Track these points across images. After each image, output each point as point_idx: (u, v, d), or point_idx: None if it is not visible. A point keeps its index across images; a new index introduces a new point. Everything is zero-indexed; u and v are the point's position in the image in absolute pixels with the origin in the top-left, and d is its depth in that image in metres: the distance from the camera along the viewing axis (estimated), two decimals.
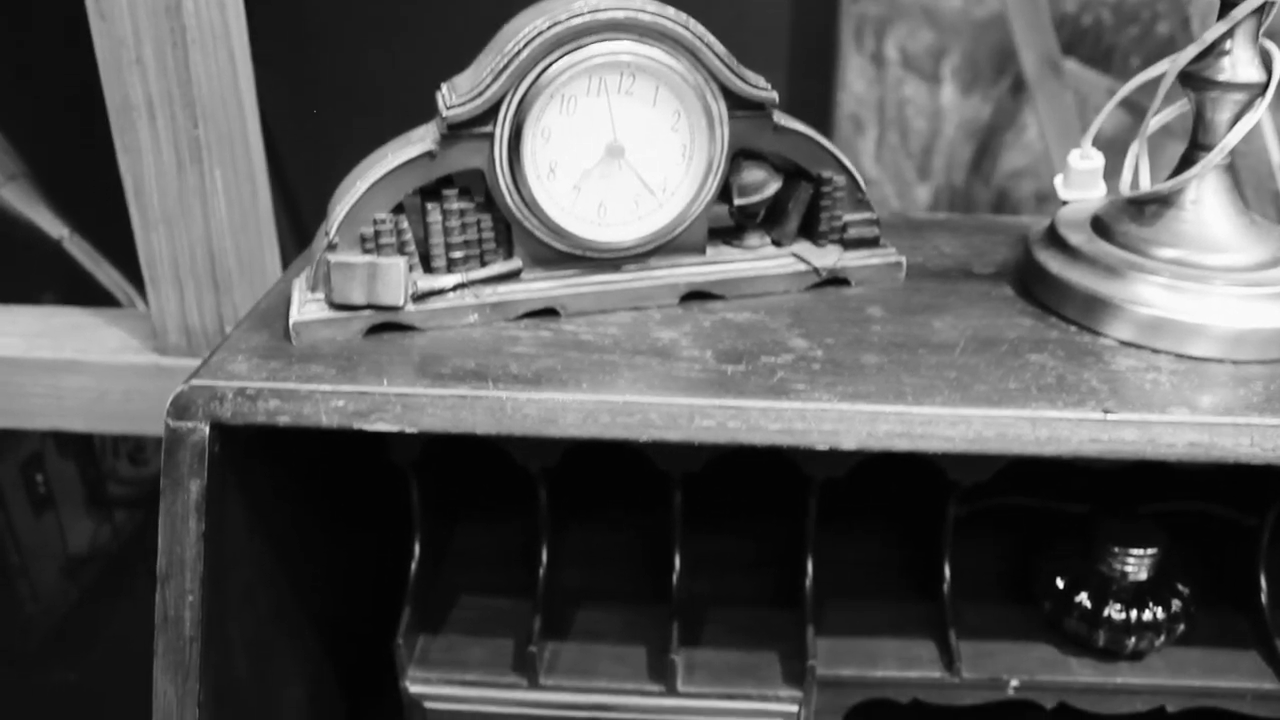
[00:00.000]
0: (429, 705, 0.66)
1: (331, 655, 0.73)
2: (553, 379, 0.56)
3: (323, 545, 0.71)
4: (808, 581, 0.66)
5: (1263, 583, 0.67)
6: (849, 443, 0.54)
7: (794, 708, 0.65)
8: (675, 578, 0.67)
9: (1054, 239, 0.66)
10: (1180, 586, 0.66)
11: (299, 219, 1.02)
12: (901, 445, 0.54)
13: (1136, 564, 0.65)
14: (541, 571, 0.67)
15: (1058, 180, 0.71)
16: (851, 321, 0.62)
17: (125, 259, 1.09)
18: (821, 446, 0.54)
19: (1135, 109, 1.19)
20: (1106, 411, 0.54)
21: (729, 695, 0.65)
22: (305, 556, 0.68)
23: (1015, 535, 0.73)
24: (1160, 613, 0.64)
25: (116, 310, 1.03)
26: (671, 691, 0.65)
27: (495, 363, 0.58)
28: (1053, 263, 0.64)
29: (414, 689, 0.67)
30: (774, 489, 0.74)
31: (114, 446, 1.30)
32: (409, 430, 0.56)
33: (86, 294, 1.10)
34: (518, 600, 0.71)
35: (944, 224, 0.77)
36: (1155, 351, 0.60)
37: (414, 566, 0.68)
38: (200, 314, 0.88)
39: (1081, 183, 0.70)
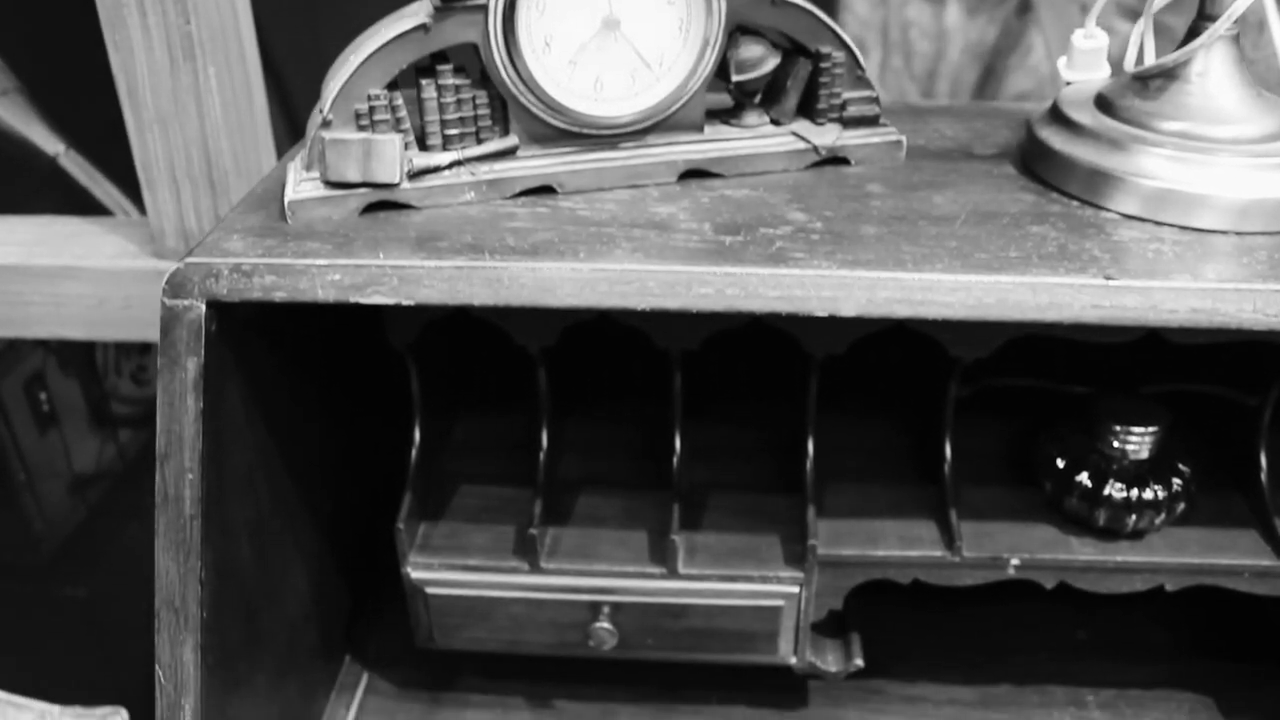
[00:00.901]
0: (430, 590, 0.67)
1: (334, 542, 0.73)
2: (550, 250, 0.56)
3: (324, 431, 0.71)
4: (808, 462, 0.66)
5: (1263, 462, 0.66)
6: (848, 309, 0.54)
7: (794, 589, 0.65)
8: (676, 460, 0.67)
9: (1057, 116, 0.65)
10: (1181, 466, 0.65)
11: (295, 120, 1.01)
12: (901, 311, 0.54)
13: (1138, 442, 0.64)
14: (542, 455, 0.67)
15: (1061, 62, 0.70)
16: (851, 197, 0.61)
17: (122, 174, 1.08)
18: (820, 313, 0.53)
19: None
20: (1108, 278, 0.54)
21: (730, 577, 0.65)
22: (306, 442, 0.68)
23: (1018, 418, 0.73)
24: (1160, 491, 0.64)
25: (115, 219, 1.02)
26: (673, 573, 0.65)
27: (492, 237, 0.57)
28: (1055, 139, 0.64)
29: (415, 574, 0.67)
30: (775, 375, 0.73)
31: (116, 365, 1.30)
32: (405, 303, 0.55)
33: (84, 211, 1.09)
34: (520, 488, 0.71)
35: (946, 110, 0.76)
36: (1159, 224, 0.60)
37: (414, 452, 0.68)
38: (197, 217, 0.87)
39: (1085, 63, 0.69)
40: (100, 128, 1.00)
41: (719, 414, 0.77)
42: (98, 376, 1.28)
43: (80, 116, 1.10)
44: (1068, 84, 0.69)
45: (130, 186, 1.00)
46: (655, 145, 0.63)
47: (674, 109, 0.62)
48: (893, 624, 0.78)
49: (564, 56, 0.60)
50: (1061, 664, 0.76)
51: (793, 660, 0.68)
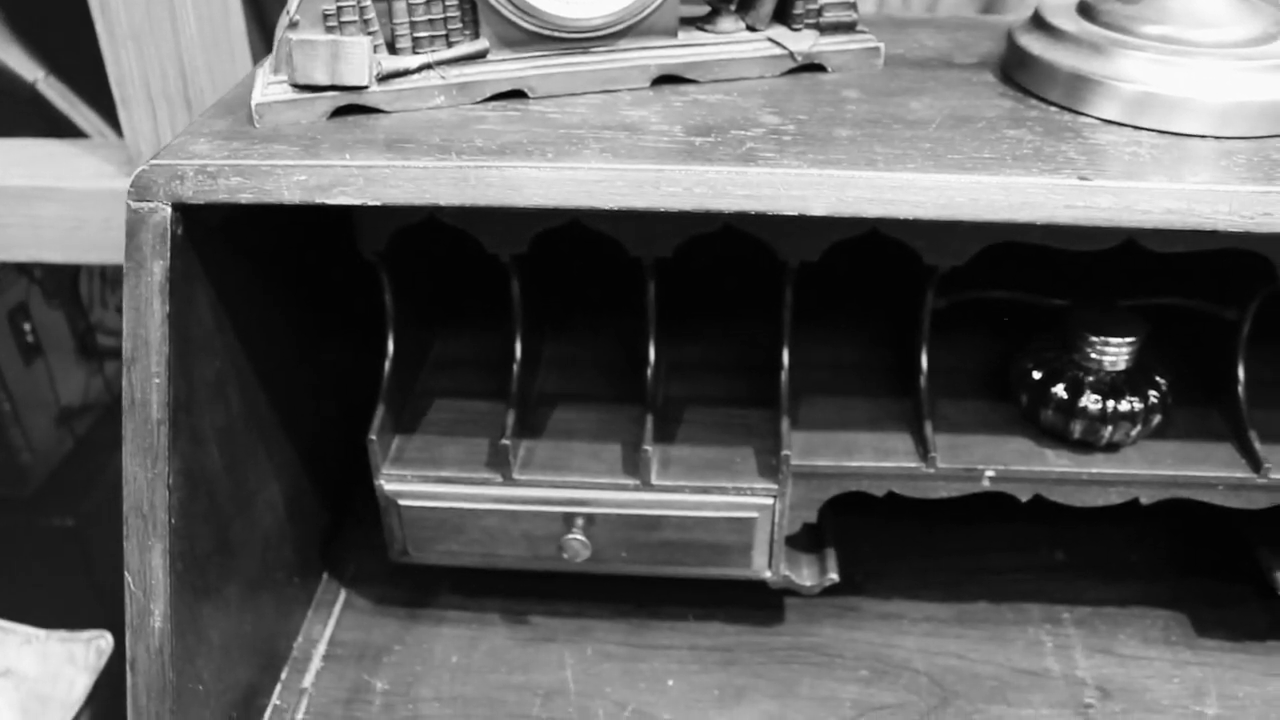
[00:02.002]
0: (403, 503, 0.67)
1: (311, 457, 0.73)
2: (518, 151, 0.55)
3: (300, 345, 0.71)
4: (783, 374, 0.66)
5: (1240, 375, 0.66)
6: (818, 208, 0.53)
7: (768, 500, 0.65)
8: (650, 371, 0.66)
9: (1038, 23, 0.64)
10: (1158, 378, 0.65)
11: (272, 37, 0.99)
12: (872, 210, 0.53)
13: (1114, 354, 0.64)
14: (515, 368, 0.67)
15: None
16: (826, 102, 0.60)
17: (103, 101, 1.07)
18: (790, 212, 0.53)
19: None
20: (1083, 178, 0.53)
21: (703, 489, 0.65)
22: (280, 353, 0.68)
23: (998, 333, 0.73)
24: (1136, 403, 0.63)
25: (92, 140, 1.01)
26: (646, 485, 0.65)
27: (461, 138, 0.57)
28: (1035, 45, 0.62)
29: (388, 486, 0.67)
30: (755, 290, 0.73)
31: (102, 297, 1.29)
32: (372, 203, 0.55)
33: (65, 137, 1.08)
34: (495, 403, 0.70)
35: (928, 21, 0.75)
36: (1138, 129, 0.59)
37: (387, 365, 0.67)
38: (174, 136, 0.86)
39: None
40: (80, 53, 0.99)
41: (697, 330, 0.77)
42: (83, 308, 1.27)
43: (60, 41, 1.09)
44: None
45: (111, 113, 0.98)
46: (628, 50, 0.62)
47: (646, 13, 0.61)
48: (871, 543, 0.78)
49: None
50: (1039, 583, 0.76)
51: (767, 574, 0.68)
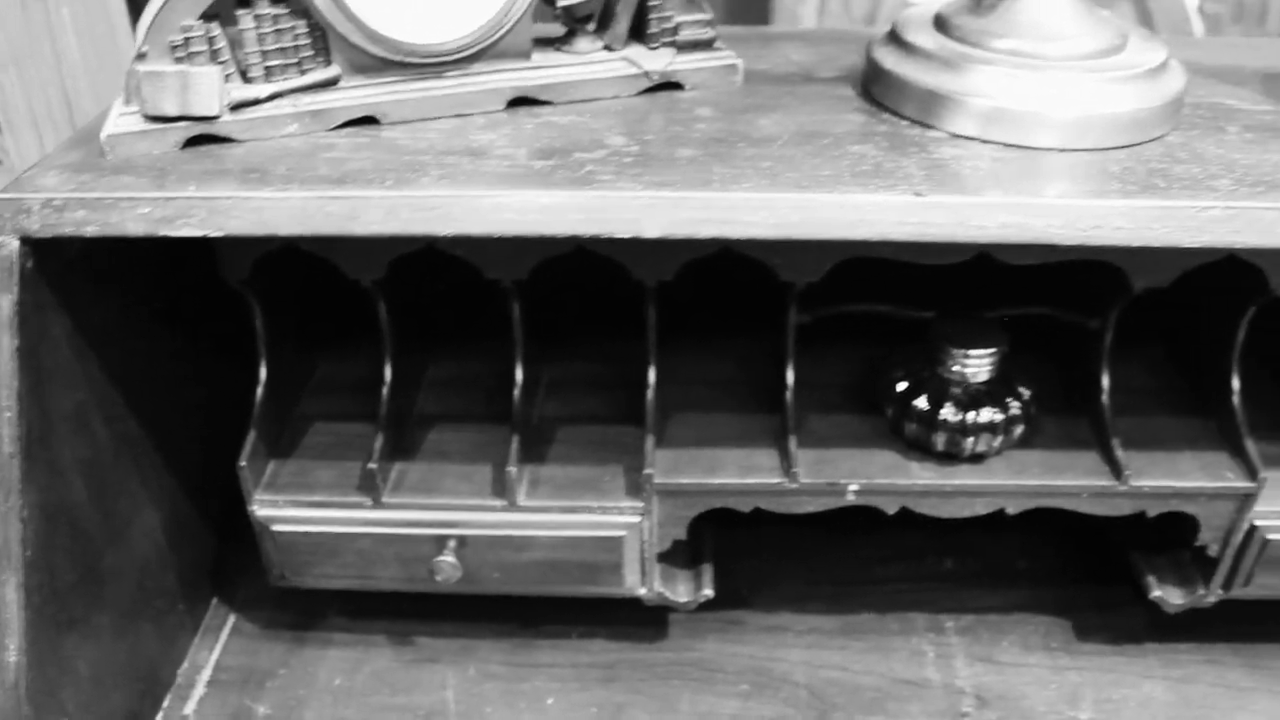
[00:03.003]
0: (276, 528, 0.67)
1: (191, 483, 0.73)
2: (359, 179, 0.55)
3: (177, 371, 0.71)
4: (649, 392, 0.66)
5: (1104, 384, 0.66)
6: (651, 230, 0.53)
7: (635, 519, 0.65)
8: (516, 391, 0.66)
9: (893, 37, 0.64)
10: (1020, 389, 0.65)
11: None
12: (706, 231, 0.53)
13: (976, 365, 0.64)
14: (385, 390, 0.67)
15: None
16: (677, 121, 0.61)
17: None
18: (624, 234, 0.53)
19: None
20: (918, 194, 0.54)
21: (570, 508, 0.65)
22: (152, 382, 0.68)
23: (865, 346, 0.73)
24: (997, 414, 0.63)
25: None
26: (513, 505, 0.65)
27: (306, 167, 0.57)
28: (889, 60, 0.63)
29: (261, 512, 0.67)
30: (627, 308, 0.73)
31: None
32: (215, 234, 0.55)
33: None
34: (372, 426, 0.70)
35: (799, 35, 0.75)
36: (986, 143, 0.59)
37: (260, 390, 0.67)
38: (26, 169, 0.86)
39: None
40: None
41: (571, 350, 0.77)
42: None
43: None
44: (913, 4, 0.69)
45: None
46: (481, 73, 0.62)
47: (498, 36, 0.61)
48: (760, 555, 0.78)
49: None
50: (926, 592, 0.76)
51: (642, 591, 0.68)
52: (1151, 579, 0.70)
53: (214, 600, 0.76)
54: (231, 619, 0.75)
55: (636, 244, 0.54)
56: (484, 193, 0.54)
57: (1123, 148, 0.60)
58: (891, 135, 0.59)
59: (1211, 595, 0.69)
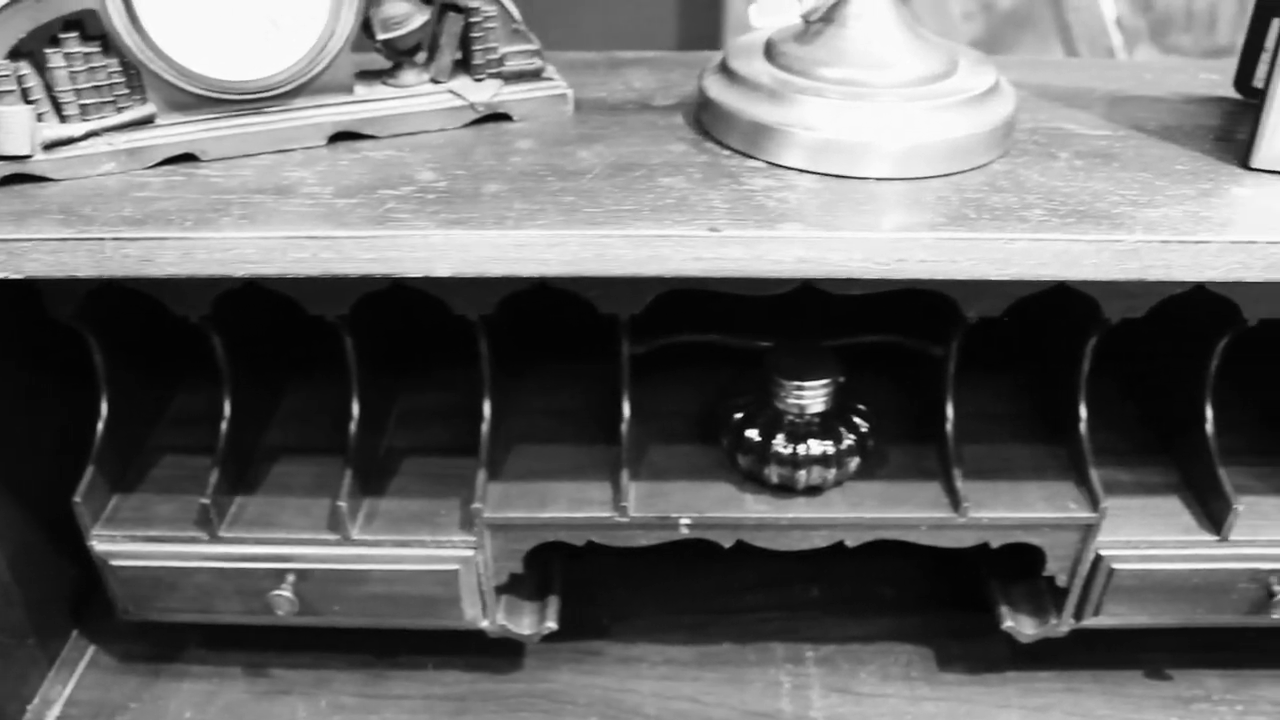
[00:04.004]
0: (114, 563, 0.66)
1: (40, 519, 0.72)
2: (159, 220, 0.55)
3: (22, 407, 0.70)
4: (484, 426, 0.65)
5: (949, 413, 0.65)
6: (442, 269, 0.53)
7: (469, 552, 0.64)
8: (353, 425, 0.66)
9: (723, 66, 0.64)
10: (857, 420, 0.64)
11: None
12: (497, 269, 0.53)
13: (809, 397, 0.63)
14: (224, 425, 0.67)
15: (752, 9, 0.68)
16: (495, 155, 0.60)
17: None
18: (416, 274, 0.53)
19: None
20: (714, 229, 0.53)
21: (403, 542, 0.65)
22: None
23: (710, 377, 0.72)
24: (829, 446, 0.63)
25: None
26: (346, 539, 0.64)
27: (111, 208, 0.56)
28: (715, 88, 0.62)
29: (99, 547, 0.66)
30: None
31: None
32: (14, 276, 0.55)
33: None
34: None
35: (647, 61, 0.74)
36: (806, 173, 0.58)
37: (101, 425, 0.67)
38: None
39: (775, 7, 0.68)
40: None
41: (431, 379, 0.76)
42: None
43: None
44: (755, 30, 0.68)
45: None
46: (302, 108, 0.61)
47: (317, 71, 0.61)
48: (626, 585, 0.78)
49: (189, 19, 0.58)
50: (790, 621, 0.75)
51: (484, 624, 0.68)
52: (1005, 609, 0.69)
53: (74, 633, 0.76)
54: (90, 652, 0.75)
55: (450, 279, 0.54)
56: (276, 233, 0.53)
57: (945, 176, 0.59)
58: (708, 167, 0.59)
59: (1064, 625, 0.68)
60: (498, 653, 0.73)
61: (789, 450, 0.62)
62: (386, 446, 0.71)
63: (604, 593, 0.76)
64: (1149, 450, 0.70)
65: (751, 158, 0.60)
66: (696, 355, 0.71)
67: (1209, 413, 0.66)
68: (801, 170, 0.59)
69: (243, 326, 0.68)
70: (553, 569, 0.70)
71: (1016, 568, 0.70)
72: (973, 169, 0.59)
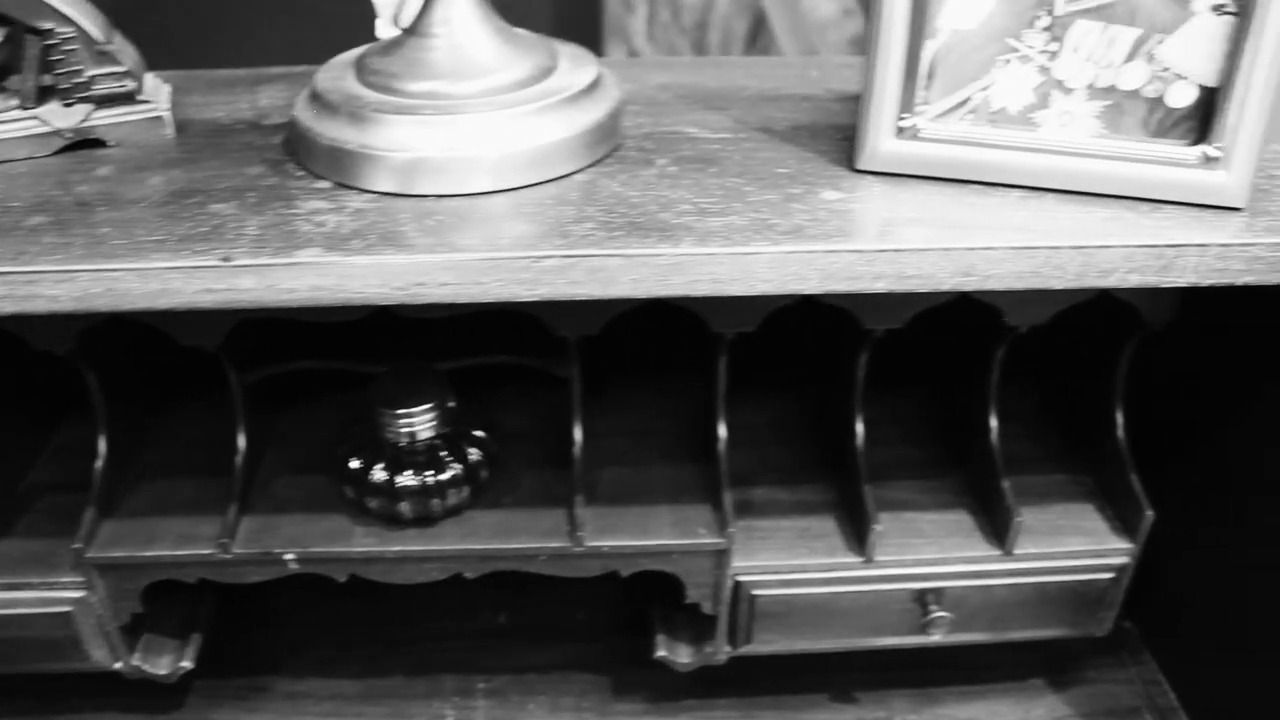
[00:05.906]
0: None
1: None
2: None
3: None
4: (98, 463, 0.63)
5: (577, 436, 0.62)
6: None
7: (80, 594, 0.62)
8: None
9: (314, 85, 0.61)
10: (470, 448, 0.62)
11: None
12: (6, 308, 0.51)
13: (412, 424, 0.60)
14: None
15: (378, 20, 0.66)
16: (66, 184, 0.58)
17: None
18: None
19: None
20: (225, 259, 0.50)
21: (14, 585, 0.62)
22: None
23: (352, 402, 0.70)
24: (429, 476, 0.60)
25: None
26: None
27: None
28: (300, 108, 0.59)
29: None
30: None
31: None
32: None
33: None
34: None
35: (291, 76, 0.70)
36: (364, 191, 0.55)
37: None
38: None
39: (392, 18, 0.65)
40: None
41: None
42: None
43: None
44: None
45: None
46: None
47: None
48: (308, 618, 0.75)
49: None
50: (469, 651, 0.73)
51: (116, 665, 0.65)
52: (661, 637, 0.67)
53: None
54: None
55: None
56: None
57: (529, 187, 0.56)
58: (269, 191, 0.56)
59: (720, 654, 0.65)
60: (158, 693, 0.70)
61: (385, 480, 0.60)
62: (30, 483, 0.69)
63: (285, 625, 0.74)
64: (805, 468, 0.67)
65: (321, 178, 0.57)
66: (340, 382, 0.68)
67: (859, 428, 0.63)
68: (389, 194, 0.56)
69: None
70: (200, 605, 0.68)
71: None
72: (558, 178, 0.57)
